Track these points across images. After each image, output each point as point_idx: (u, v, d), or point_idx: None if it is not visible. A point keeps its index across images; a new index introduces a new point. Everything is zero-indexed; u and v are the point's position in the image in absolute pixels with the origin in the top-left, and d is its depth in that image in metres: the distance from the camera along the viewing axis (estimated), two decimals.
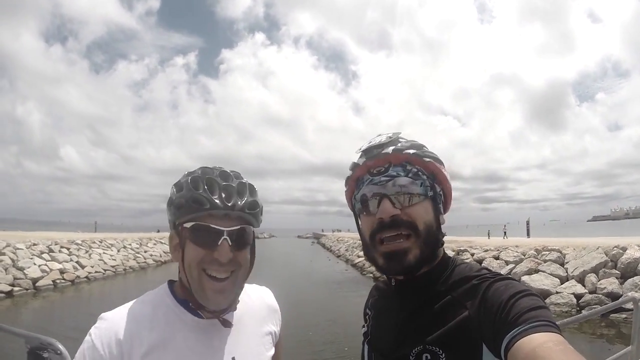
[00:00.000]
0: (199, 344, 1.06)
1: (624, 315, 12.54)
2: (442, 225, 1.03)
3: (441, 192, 1.04)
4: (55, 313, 16.49)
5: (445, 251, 1.08)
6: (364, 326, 1.17)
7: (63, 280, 22.53)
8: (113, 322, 1.03)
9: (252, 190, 1.09)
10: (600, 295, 14.82)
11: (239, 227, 1.05)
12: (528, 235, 33.58)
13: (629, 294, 11.71)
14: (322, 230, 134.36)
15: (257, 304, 1.24)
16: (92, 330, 1.03)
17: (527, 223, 35.84)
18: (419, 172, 1.01)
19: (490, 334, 0.83)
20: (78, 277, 23.89)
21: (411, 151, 1.01)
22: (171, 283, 1.15)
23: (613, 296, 14.23)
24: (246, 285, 1.19)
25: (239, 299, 1.13)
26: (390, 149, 1.01)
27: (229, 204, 1.02)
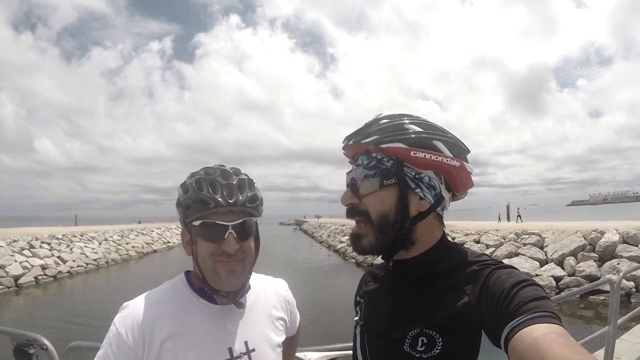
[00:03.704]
0: (215, 329, 1.15)
1: (602, 297, 12.94)
2: (442, 207, 1.01)
3: (420, 175, 0.97)
4: (39, 310, 16.29)
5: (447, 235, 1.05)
6: (356, 314, 1.14)
7: (45, 276, 22.20)
8: (135, 309, 1.12)
9: (251, 185, 1.18)
10: (579, 278, 15.19)
11: (241, 220, 1.14)
12: (508, 219, 34.08)
13: (607, 276, 12.05)
14: (304, 217, 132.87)
15: (268, 292, 1.34)
16: (116, 319, 1.11)
17: (507, 207, 36.28)
18: (383, 159, 0.98)
19: (490, 323, 0.81)
20: (60, 272, 23.57)
21: (369, 139, 0.98)
22: (187, 273, 1.24)
23: (591, 279, 14.56)
24: (261, 276, 1.37)
25: (252, 287, 1.25)
26: (352, 140, 1.02)
27: (231, 201, 1.11)
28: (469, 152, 1.04)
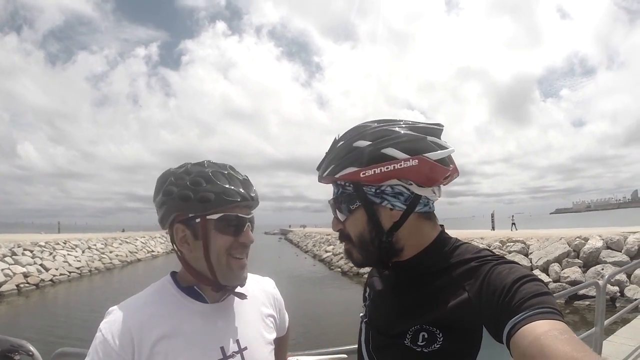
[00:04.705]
0: (206, 328, 1.13)
1: (587, 302, 13.14)
2: (420, 208, 0.97)
3: (381, 189, 0.95)
4: (21, 318, 16.03)
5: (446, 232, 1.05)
6: (363, 306, 1.16)
7: (27, 284, 21.79)
8: (121, 314, 1.08)
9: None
10: (564, 284, 15.36)
11: (252, 214, 1.19)
12: (493, 228, 34.33)
13: (592, 279, 12.21)
14: (290, 226, 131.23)
15: (257, 290, 1.33)
16: (102, 325, 1.07)
17: (492, 216, 36.53)
18: (345, 185, 0.99)
19: (492, 319, 0.81)
20: (43, 280, 23.13)
21: (326, 172, 1.02)
22: (174, 274, 1.22)
23: (576, 284, 14.74)
24: (249, 275, 1.31)
25: None
26: (319, 176, 1.07)
27: (252, 195, 1.16)
28: (441, 128, 1.00)
